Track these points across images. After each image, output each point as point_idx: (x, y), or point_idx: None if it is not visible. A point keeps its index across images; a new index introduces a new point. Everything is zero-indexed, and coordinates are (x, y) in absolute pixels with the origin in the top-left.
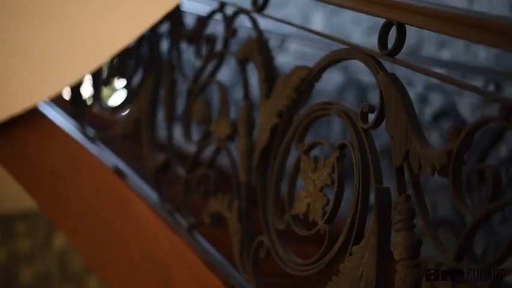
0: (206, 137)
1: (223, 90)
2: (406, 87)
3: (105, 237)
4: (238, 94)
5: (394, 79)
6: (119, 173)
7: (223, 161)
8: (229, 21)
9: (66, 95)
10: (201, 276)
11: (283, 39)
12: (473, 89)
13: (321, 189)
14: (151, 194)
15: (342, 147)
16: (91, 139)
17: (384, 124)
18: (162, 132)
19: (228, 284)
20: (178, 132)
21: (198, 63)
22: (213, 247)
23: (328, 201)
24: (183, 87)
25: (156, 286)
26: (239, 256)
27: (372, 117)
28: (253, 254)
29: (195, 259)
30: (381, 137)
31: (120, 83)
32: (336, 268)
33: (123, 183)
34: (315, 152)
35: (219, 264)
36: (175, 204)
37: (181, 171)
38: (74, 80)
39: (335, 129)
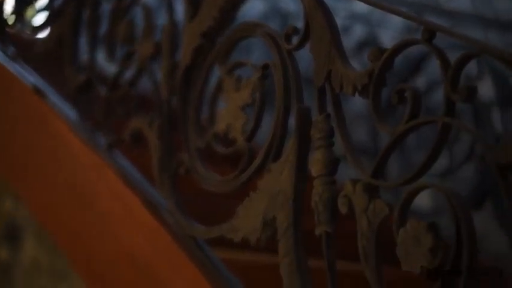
0: (129, 57)
1: (148, 11)
2: None
3: (24, 156)
4: (164, 19)
5: (319, 0)
6: (38, 92)
7: (147, 85)
8: None
9: None
10: (120, 194)
11: None
12: (398, 12)
13: (242, 109)
14: (72, 114)
15: (265, 67)
16: (12, 58)
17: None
18: (85, 56)
19: (147, 202)
20: (102, 56)
21: None
22: (134, 166)
23: (248, 120)
24: (106, 8)
25: (75, 204)
26: (158, 174)
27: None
28: (172, 171)
29: (113, 177)
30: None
31: (43, 2)
32: (255, 186)
33: (42, 102)
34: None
35: (138, 182)
36: (96, 123)
37: (103, 91)
38: None
39: (255, 57)
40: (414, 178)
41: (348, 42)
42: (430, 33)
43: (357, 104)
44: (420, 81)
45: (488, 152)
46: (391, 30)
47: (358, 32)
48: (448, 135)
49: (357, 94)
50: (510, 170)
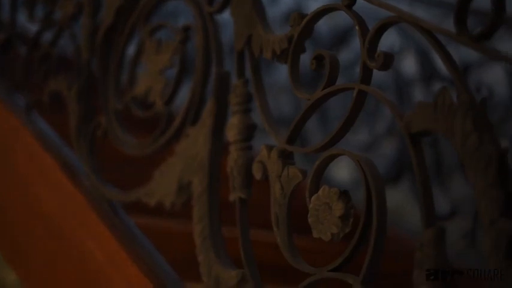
0: (50, 16)
1: None
2: None
3: None
4: None
5: None
6: None
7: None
8: None
9: None
10: (37, 156)
11: None
12: None
13: (162, 72)
14: None
15: (185, 29)
16: None
17: None
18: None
19: (64, 165)
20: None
21: None
22: (53, 130)
23: (167, 84)
24: None
25: None
26: (76, 137)
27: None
28: (90, 135)
29: (31, 139)
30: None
31: None
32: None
33: None
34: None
35: (56, 146)
36: (16, 84)
37: (23, 51)
38: None
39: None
40: (328, 145)
41: (276, 12)
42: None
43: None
44: (346, 53)
45: (399, 121)
46: (316, 2)
47: (287, 1)
48: (364, 102)
49: None
50: (420, 138)
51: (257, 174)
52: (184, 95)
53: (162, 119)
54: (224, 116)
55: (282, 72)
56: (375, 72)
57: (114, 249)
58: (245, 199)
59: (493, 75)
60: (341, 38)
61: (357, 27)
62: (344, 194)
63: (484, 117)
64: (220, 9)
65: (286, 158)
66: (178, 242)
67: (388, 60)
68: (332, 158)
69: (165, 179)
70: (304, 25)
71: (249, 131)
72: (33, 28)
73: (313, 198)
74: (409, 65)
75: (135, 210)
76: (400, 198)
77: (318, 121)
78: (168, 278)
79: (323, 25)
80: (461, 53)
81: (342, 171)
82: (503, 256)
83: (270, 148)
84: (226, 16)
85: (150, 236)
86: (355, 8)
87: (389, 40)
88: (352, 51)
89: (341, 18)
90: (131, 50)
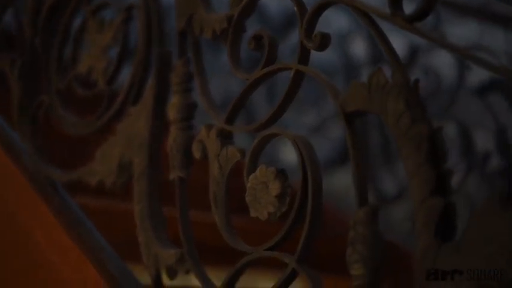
0: None
1: None
2: None
3: None
4: None
5: None
6: None
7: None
8: None
9: None
10: None
11: None
12: None
13: (105, 51)
14: None
15: (129, 9)
16: None
17: None
18: None
19: (6, 145)
20: None
21: None
22: None
23: (110, 63)
24: None
25: None
26: (18, 116)
27: None
28: (32, 114)
29: None
30: None
31: None
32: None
33: None
34: None
35: None
36: None
37: None
38: None
39: None
40: (266, 125)
41: None
42: None
43: None
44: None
45: (335, 101)
46: None
47: None
48: (301, 82)
49: None
50: (355, 118)
51: (196, 153)
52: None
53: (104, 97)
54: (165, 96)
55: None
56: (326, 55)
57: (57, 231)
58: (184, 178)
59: (441, 59)
60: (291, 20)
61: (295, 8)
62: (281, 174)
63: (417, 97)
64: None
65: (225, 137)
66: (120, 222)
67: (325, 41)
68: (270, 137)
69: (106, 159)
70: (244, 5)
71: (189, 111)
72: None
73: (250, 177)
74: (358, 47)
75: (78, 191)
76: (349, 180)
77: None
78: (110, 260)
79: (273, 7)
80: (411, 36)
81: (290, 154)
82: (433, 234)
83: (209, 127)
84: None
85: (91, 217)
86: None
87: (340, 23)
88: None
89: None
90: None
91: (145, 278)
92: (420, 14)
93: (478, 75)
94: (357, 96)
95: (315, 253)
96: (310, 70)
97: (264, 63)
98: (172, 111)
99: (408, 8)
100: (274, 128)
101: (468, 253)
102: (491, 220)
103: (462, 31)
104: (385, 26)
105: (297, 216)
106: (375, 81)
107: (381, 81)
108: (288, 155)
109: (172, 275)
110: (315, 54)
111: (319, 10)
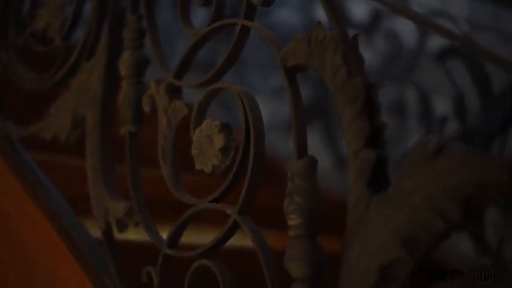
0: None
1: None
2: None
3: None
4: None
5: None
6: None
7: None
8: None
9: None
10: None
11: None
12: None
13: (61, 8)
14: None
15: None
16: None
17: None
18: None
19: None
20: None
21: None
22: None
23: (66, 20)
24: None
25: None
26: None
27: None
28: None
29: None
30: None
31: None
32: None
33: None
34: None
35: None
36: None
37: None
38: None
39: None
40: (213, 79)
41: None
42: None
43: None
44: None
45: (277, 55)
46: None
47: None
48: (247, 37)
49: None
50: (296, 72)
51: (146, 108)
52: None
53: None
54: (118, 52)
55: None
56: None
57: (16, 189)
58: (134, 133)
59: (403, 24)
60: None
61: None
62: (225, 127)
63: (355, 53)
64: None
65: (173, 92)
66: (75, 177)
67: None
68: (216, 91)
69: (60, 114)
70: None
71: (140, 66)
72: None
73: (196, 131)
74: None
75: (34, 147)
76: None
77: None
78: (63, 213)
79: None
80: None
81: None
82: (365, 184)
83: (158, 82)
84: None
85: (47, 172)
86: None
87: None
88: None
89: None
90: None
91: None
92: None
93: (438, 41)
94: (297, 50)
95: (272, 208)
96: (255, 25)
97: (211, 19)
98: (123, 67)
99: None
100: (220, 83)
101: (397, 204)
102: (417, 171)
103: None
104: None
105: (239, 168)
106: (314, 36)
107: (320, 36)
108: None
109: (121, 227)
110: (282, 19)
111: None
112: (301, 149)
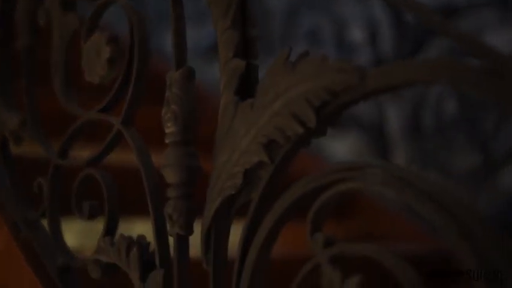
0: None
1: None
2: None
3: None
4: None
5: None
6: None
7: None
8: None
9: None
10: None
11: None
12: None
13: None
14: None
15: None
16: None
17: None
18: None
19: None
20: None
21: None
22: None
23: None
24: None
25: None
26: None
27: None
28: None
29: None
30: None
31: None
32: None
33: None
34: None
35: None
36: None
37: None
38: None
39: None
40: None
41: None
42: None
43: None
44: None
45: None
46: None
47: None
48: None
49: None
50: None
51: (40, 21)
52: None
53: None
54: None
55: None
56: None
57: None
58: (30, 46)
59: None
60: None
61: None
62: (113, 40)
63: None
64: None
65: (66, 4)
66: None
67: None
68: (105, 5)
69: None
70: None
71: None
72: None
73: (87, 43)
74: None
75: None
76: None
77: None
78: None
79: None
80: None
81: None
82: (233, 92)
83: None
84: None
85: None
86: None
87: None
88: None
89: None
90: None
91: None
92: None
93: None
94: None
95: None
96: None
97: None
98: None
99: None
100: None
101: (259, 110)
102: (280, 79)
103: None
104: None
105: (124, 78)
106: None
107: None
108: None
109: (17, 140)
110: None
111: None
112: (180, 59)
